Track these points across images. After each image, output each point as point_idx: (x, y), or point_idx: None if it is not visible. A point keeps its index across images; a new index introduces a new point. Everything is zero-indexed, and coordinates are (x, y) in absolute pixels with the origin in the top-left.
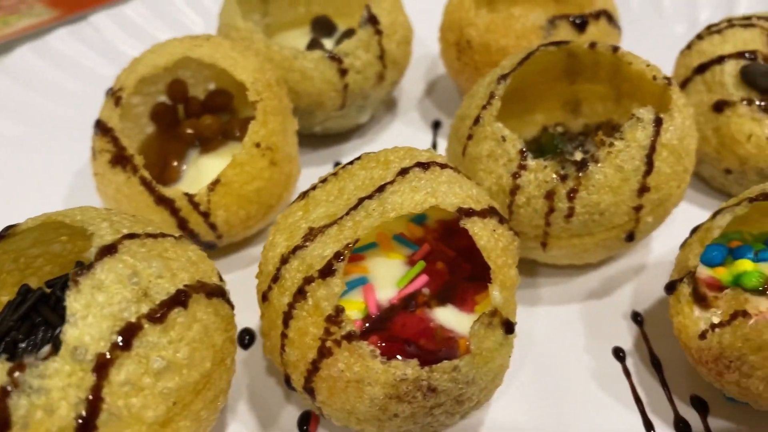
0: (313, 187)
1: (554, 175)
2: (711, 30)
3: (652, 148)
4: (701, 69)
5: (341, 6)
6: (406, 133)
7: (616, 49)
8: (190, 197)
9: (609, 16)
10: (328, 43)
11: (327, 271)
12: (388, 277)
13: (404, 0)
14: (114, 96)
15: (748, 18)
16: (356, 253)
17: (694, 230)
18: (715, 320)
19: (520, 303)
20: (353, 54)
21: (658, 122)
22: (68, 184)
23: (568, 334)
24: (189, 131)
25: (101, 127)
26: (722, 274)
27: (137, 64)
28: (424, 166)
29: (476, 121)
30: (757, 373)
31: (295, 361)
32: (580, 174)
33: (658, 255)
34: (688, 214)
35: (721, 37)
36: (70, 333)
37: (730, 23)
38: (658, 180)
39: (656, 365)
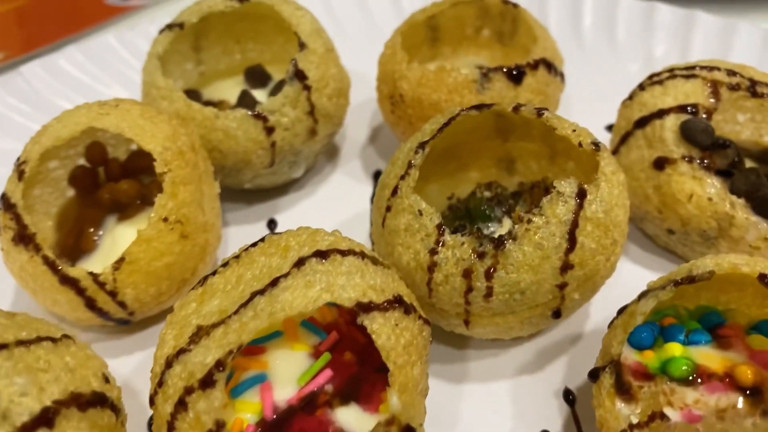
0: (214, 273)
1: (472, 253)
2: (653, 80)
3: (575, 223)
4: (642, 123)
5: (278, 52)
6: (346, 184)
7: (540, 113)
8: (95, 277)
9: (548, 65)
10: (261, 93)
11: (207, 382)
12: (289, 372)
13: (351, 40)
14: (18, 169)
15: (691, 67)
16: (257, 344)
17: (621, 311)
18: (634, 420)
19: (448, 380)
20: (279, 111)
21: (581, 194)
22: None
23: (495, 416)
24: (106, 196)
25: (5, 202)
26: (650, 359)
27: (42, 135)
28: (323, 255)
29: (394, 191)
30: None
31: None
32: (498, 252)
33: (596, 323)
34: (633, 275)
35: (663, 88)
36: None
37: (672, 73)
38: (583, 256)
39: None
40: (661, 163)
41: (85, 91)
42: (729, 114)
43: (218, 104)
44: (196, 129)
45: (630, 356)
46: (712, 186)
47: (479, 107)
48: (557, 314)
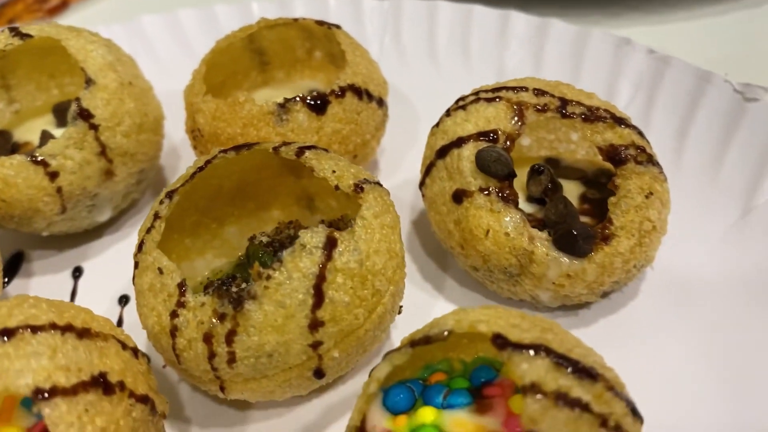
0: None
1: (212, 314)
2: (458, 104)
3: (321, 277)
4: (443, 152)
5: None
6: None
7: (301, 152)
8: None
9: (359, 91)
10: None
11: None
12: None
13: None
14: None
15: (498, 89)
16: None
17: (372, 371)
18: None
19: None
20: (63, 154)
21: (330, 244)
22: None
23: None
24: None
25: None
26: (401, 426)
27: None
28: (9, 333)
29: (140, 247)
30: None
31: None
32: (237, 313)
33: None
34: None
35: (465, 113)
36: None
37: (477, 97)
38: (334, 311)
39: None
40: (459, 196)
41: None
42: (561, 133)
43: (23, 146)
44: None
45: (380, 424)
46: (511, 220)
47: (238, 148)
48: (319, 374)
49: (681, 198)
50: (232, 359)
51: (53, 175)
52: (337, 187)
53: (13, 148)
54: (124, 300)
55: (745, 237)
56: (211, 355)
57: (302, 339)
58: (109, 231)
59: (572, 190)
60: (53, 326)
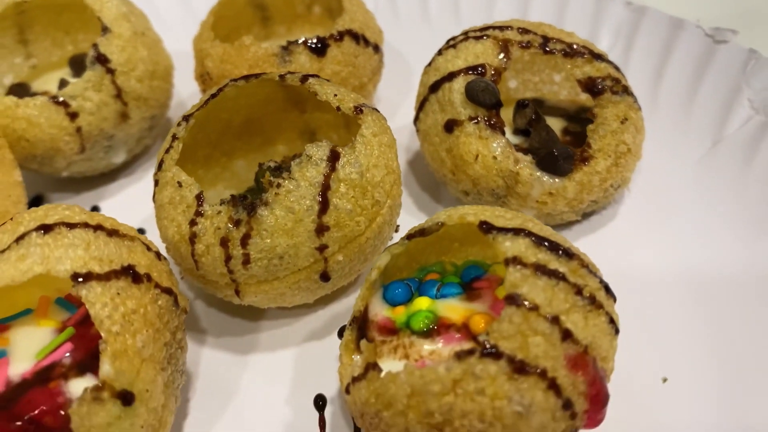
0: None
1: (228, 221)
2: (449, 44)
3: (326, 185)
4: (435, 87)
5: None
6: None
7: (305, 78)
8: None
9: (356, 36)
10: None
11: None
12: (30, 348)
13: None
14: None
15: (485, 29)
16: (3, 323)
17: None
18: (355, 372)
19: (233, 351)
20: (82, 96)
21: (333, 157)
22: None
23: (275, 383)
24: None
25: None
26: (399, 314)
27: None
28: (48, 228)
29: (160, 166)
30: (392, 430)
31: None
32: (251, 218)
33: None
34: None
35: (455, 51)
36: None
37: (466, 36)
38: (338, 217)
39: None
40: (450, 126)
41: None
42: (545, 75)
43: (42, 95)
44: None
45: (381, 313)
46: (498, 145)
47: (247, 77)
48: (325, 277)
49: (657, 131)
50: (246, 261)
51: (73, 116)
52: (338, 108)
53: None
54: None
55: (716, 163)
56: (228, 258)
57: (309, 242)
58: (123, 174)
59: (555, 125)
60: (86, 225)
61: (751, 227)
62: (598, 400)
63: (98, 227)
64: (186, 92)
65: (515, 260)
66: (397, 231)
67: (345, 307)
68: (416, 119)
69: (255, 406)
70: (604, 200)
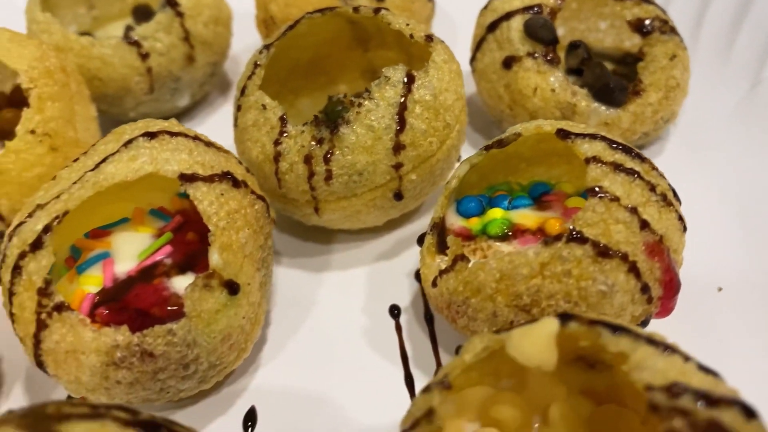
0: (66, 167)
1: (311, 140)
2: None
3: (403, 106)
4: (493, 27)
5: None
6: None
7: (377, 11)
8: None
9: None
10: None
11: (37, 245)
12: (131, 250)
13: None
14: None
15: None
16: (104, 229)
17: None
18: (442, 266)
19: (309, 270)
20: (153, 37)
21: (410, 79)
22: None
23: (350, 296)
24: None
25: None
26: (474, 224)
27: None
28: (152, 135)
29: (243, 92)
30: (480, 315)
31: (23, 337)
32: (334, 136)
33: None
34: None
35: None
36: None
37: None
38: (414, 137)
39: (429, 320)
40: (509, 62)
41: None
42: (591, 22)
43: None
44: (75, 59)
45: (456, 222)
46: (555, 78)
47: (322, 11)
48: (398, 196)
49: (698, 73)
50: (329, 176)
51: (144, 56)
52: (411, 36)
53: None
54: None
55: (753, 105)
56: (311, 175)
57: (387, 159)
58: (184, 119)
59: None
60: (185, 135)
61: None
62: (671, 286)
63: (196, 138)
64: (237, 46)
65: (595, 159)
66: (459, 160)
67: (410, 232)
68: (473, 59)
69: (333, 316)
70: (654, 133)
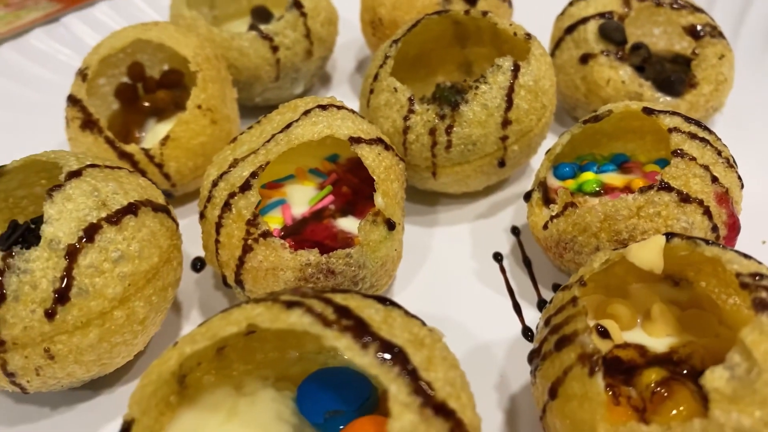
0: (241, 133)
1: (435, 116)
2: None
3: (511, 89)
4: (570, 29)
5: None
6: None
7: (485, 13)
8: (146, 151)
9: None
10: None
11: (245, 186)
12: (302, 198)
13: None
14: (81, 74)
15: None
16: (277, 182)
17: (548, 152)
18: (553, 212)
19: (421, 225)
20: (282, 33)
21: (516, 68)
22: None
23: (458, 245)
24: (147, 104)
25: (72, 99)
26: (570, 184)
27: (99, 48)
28: (324, 107)
29: (375, 78)
30: (585, 249)
31: (226, 260)
32: (455, 113)
33: None
34: None
35: (586, 2)
36: (47, 230)
37: None
38: (518, 114)
39: (527, 264)
40: (585, 58)
41: None
42: (646, 29)
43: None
44: (216, 50)
45: (555, 183)
46: (624, 72)
47: (439, 12)
48: (502, 164)
49: (738, 71)
50: (449, 145)
51: (275, 49)
52: (515, 34)
53: None
54: None
55: None
56: (433, 144)
57: (496, 132)
58: None
59: None
60: (344, 108)
61: None
62: (734, 228)
63: (353, 111)
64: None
65: (675, 129)
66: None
67: (504, 197)
68: (551, 56)
69: (446, 260)
70: (704, 120)
